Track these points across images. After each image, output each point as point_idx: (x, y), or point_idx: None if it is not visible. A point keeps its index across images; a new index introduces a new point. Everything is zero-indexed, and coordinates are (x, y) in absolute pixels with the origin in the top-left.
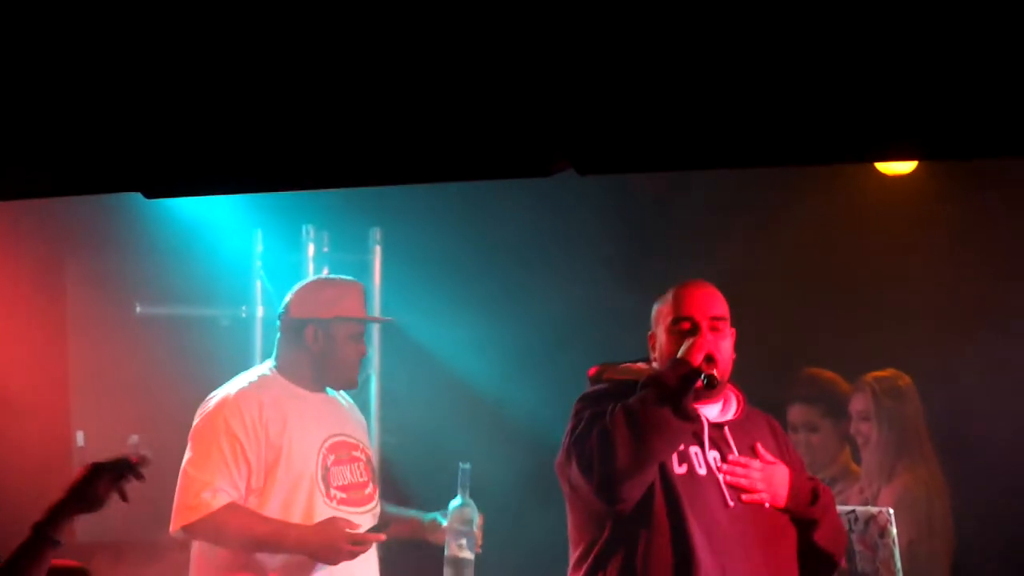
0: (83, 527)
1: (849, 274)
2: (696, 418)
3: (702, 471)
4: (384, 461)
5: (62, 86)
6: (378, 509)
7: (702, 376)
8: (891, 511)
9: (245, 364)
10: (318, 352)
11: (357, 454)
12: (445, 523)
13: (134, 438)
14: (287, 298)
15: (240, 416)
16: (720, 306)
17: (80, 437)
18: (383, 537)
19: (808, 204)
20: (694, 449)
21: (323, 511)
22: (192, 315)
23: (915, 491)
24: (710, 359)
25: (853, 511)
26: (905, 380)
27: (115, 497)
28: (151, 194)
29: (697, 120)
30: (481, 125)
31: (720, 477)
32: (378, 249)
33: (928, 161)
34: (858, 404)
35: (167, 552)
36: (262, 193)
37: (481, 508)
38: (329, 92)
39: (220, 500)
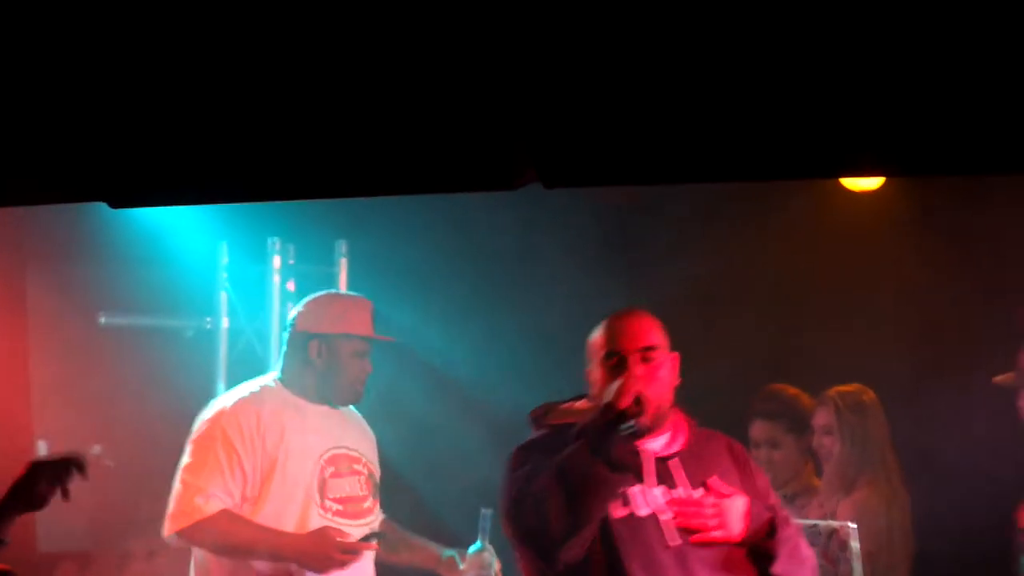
0: (49, 537)
1: (815, 290)
2: (630, 465)
3: (643, 511)
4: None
5: (26, 95)
6: (376, 523)
7: (630, 425)
8: (853, 525)
9: (209, 375)
10: (322, 367)
11: (358, 467)
12: (462, 565)
13: (97, 448)
14: (295, 310)
15: (237, 425)
16: (651, 335)
17: (42, 447)
18: (375, 546)
19: (773, 220)
20: (636, 489)
21: (318, 522)
22: (156, 326)
23: (874, 504)
24: (638, 401)
25: (815, 525)
26: (869, 395)
27: (82, 505)
28: (116, 204)
29: (663, 134)
30: (447, 138)
31: (662, 517)
32: (344, 261)
33: (894, 177)
34: (821, 418)
35: (133, 562)
36: (228, 204)
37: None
38: (295, 104)
39: (213, 506)
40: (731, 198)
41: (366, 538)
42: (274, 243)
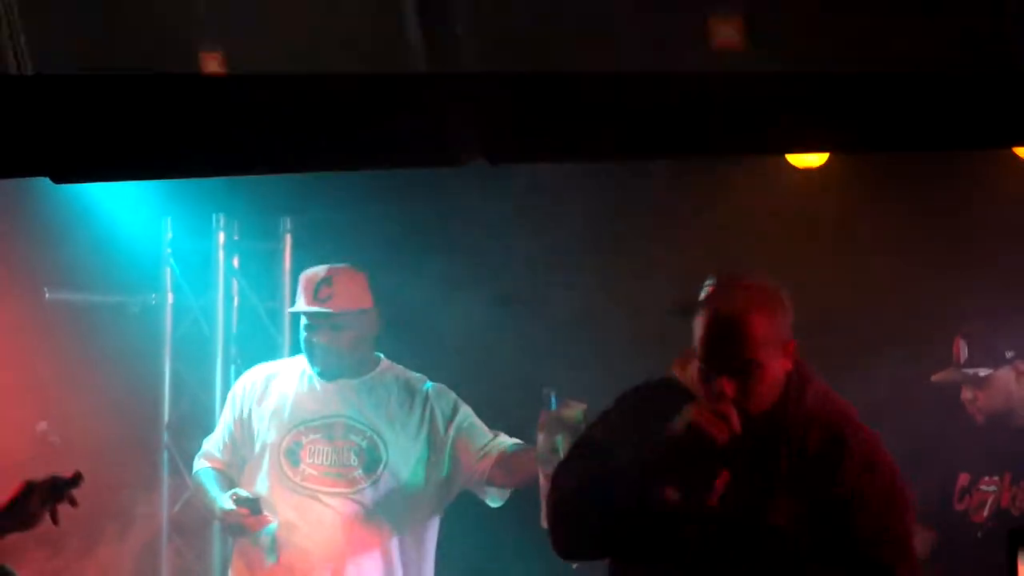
0: None
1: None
2: None
3: None
4: None
5: None
6: (365, 498)
7: None
8: None
9: (154, 350)
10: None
11: (356, 438)
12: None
13: (43, 425)
14: None
15: (239, 386)
16: (746, 346)
17: (43, 426)
18: (258, 517)
19: (717, 198)
20: None
21: (287, 485)
22: (102, 302)
23: None
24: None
25: None
26: None
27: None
28: (59, 179)
29: (607, 112)
30: (392, 115)
31: None
32: (288, 238)
33: (838, 153)
34: None
35: (103, 544)
36: (171, 180)
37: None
38: (238, 80)
39: (198, 465)
40: (677, 176)
41: (239, 502)
42: (218, 219)
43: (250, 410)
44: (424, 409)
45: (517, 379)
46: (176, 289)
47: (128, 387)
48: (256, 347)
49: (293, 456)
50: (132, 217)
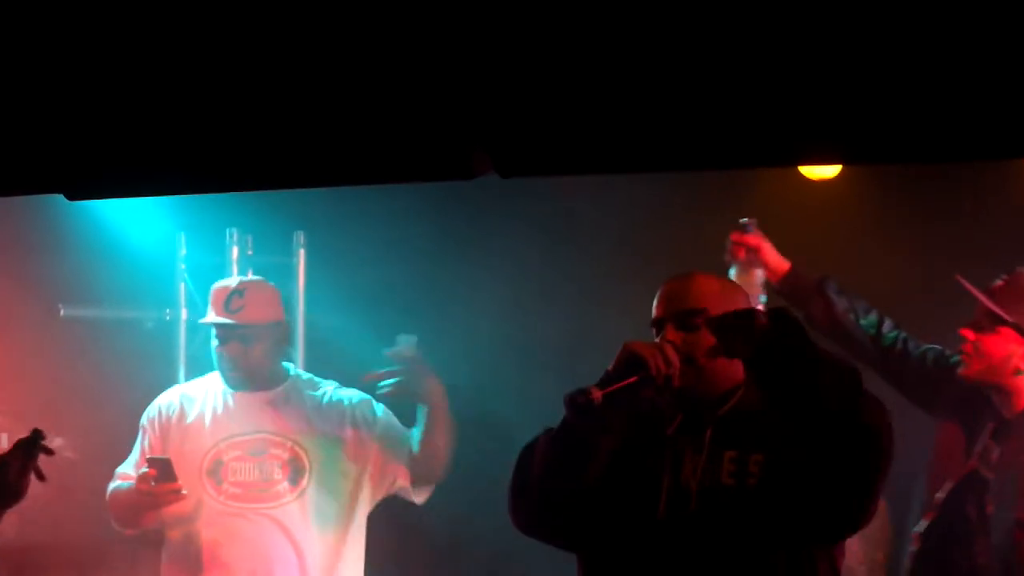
0: (13, 530)
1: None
2: None
3: None
4: None
5: None
6: (291, 510)
7: None
8: None
9: (169, 366)
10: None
11: (278, 451)
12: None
13: (58, 440)
14: None
15: (157, 412)
16: (690, 299)
17: (3, 439)
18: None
19: (730, 209)
20: None
21: (212, 505)
22: (116, 318)
23: None
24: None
25: None
26: None
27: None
28: (73, 196)
29: (621, 123)
30: (403, 127)
31: None
32: (302, 252)
33: (852, 165)
34: None
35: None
36: (185, 195)
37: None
38: (251, 94)
39: (112, 486)
40: (692, 188)
41: (151, 462)
42: (232, 234)
43: (166, 435)
44: (343, 416)
45: (529, 388)
46: (190, 304)
47: (143, 402)
48: None
49: (215, 475)
50: (146, 233)
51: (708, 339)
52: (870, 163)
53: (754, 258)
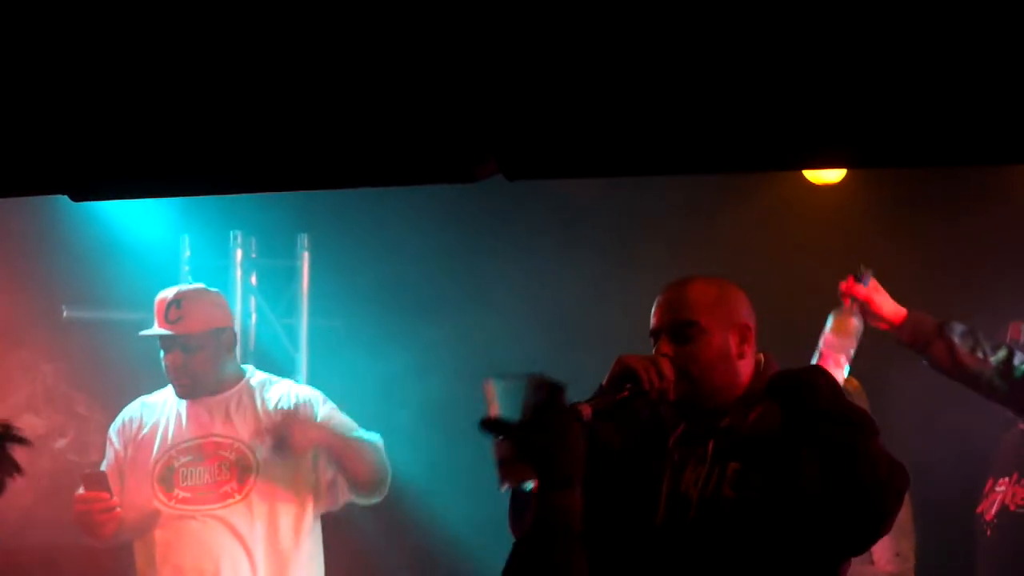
0: (9, 534)
1: (779, 284)
2: None
3: None
4: None
5: None
6: (238, 510)
7: None
8: None
9: None
10: None
11: (225, 453)
12: None
13: (61, 442)
14: None
15: (120, 425)
16: (685, 309)
17: None
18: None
19: (735, 213)
20: None
21: (162, 509)
22: (119, 319)
23: None
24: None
25: None
26: (854, 384)
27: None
28: (77, 197)
29: (627, 125)
30: (406, 129)
31: None
32: (306, 255)
33: (857, 170)
34: None
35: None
36: (190, 197)
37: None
38: (255, 96)
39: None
40: (697, 192)
41: (84, 478)
42: (236, 236)
43: (126, 443)
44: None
45: None
46: None
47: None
48: (273, 364)
49: (166, 481)
50: (150, 234)
51: (703, 351)
52: (875, 167)
53: (866, 308)
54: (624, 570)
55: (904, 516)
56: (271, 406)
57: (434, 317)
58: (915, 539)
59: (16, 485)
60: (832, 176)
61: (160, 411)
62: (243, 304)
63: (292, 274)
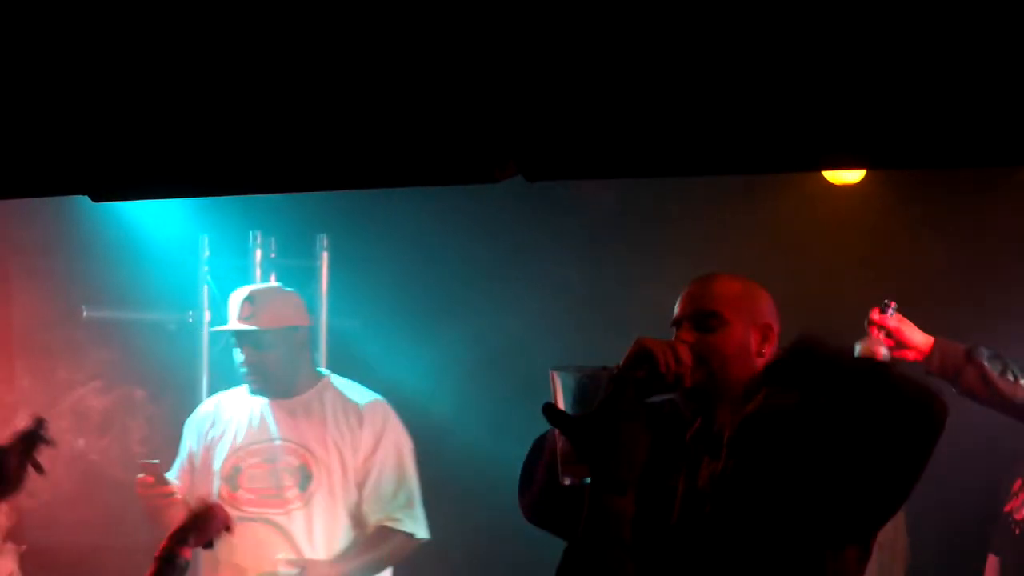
0: (34, 533)
1: (801, 286)
2: None
3: None
4: None
5: (6, 88)
6: (296, 518)
7: None
8: None
9: (192, 369)
10: None
11: (290, 458)
12: None
13: (80, 442)
14: None
15: (194, 416)
16: (708, 300)
17: None
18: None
19: (756, 215)
20: None
21: (227, 508)
22: (139, 320)
23: None
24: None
25: None
26: None
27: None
28: (98, 197)
29: (646, 127)
30: (427, 130)
31: None
32: (325, 255)
33: (876, 170)
34: None
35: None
36: (209, 197)
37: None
38: (275, 97)
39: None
40: (718, 194)
41: (144, 468)
42: (256, 236)
43: (199, 439)
44: (358, 428)
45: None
46: (213, 307)
47: (164, 405)
48: None
49: (232, 481)
50: (169, 235)
51: (723, 342)
52: (894, 168)
53: (895, 339)
54: (643, 567)
55: (895, 535)
56: (344, 410)
57: (453, 317)
58: (907, 561)
59: (35, 485)
60: (852, 177)
61: (234, 409)
62: None
63: (311, 274)
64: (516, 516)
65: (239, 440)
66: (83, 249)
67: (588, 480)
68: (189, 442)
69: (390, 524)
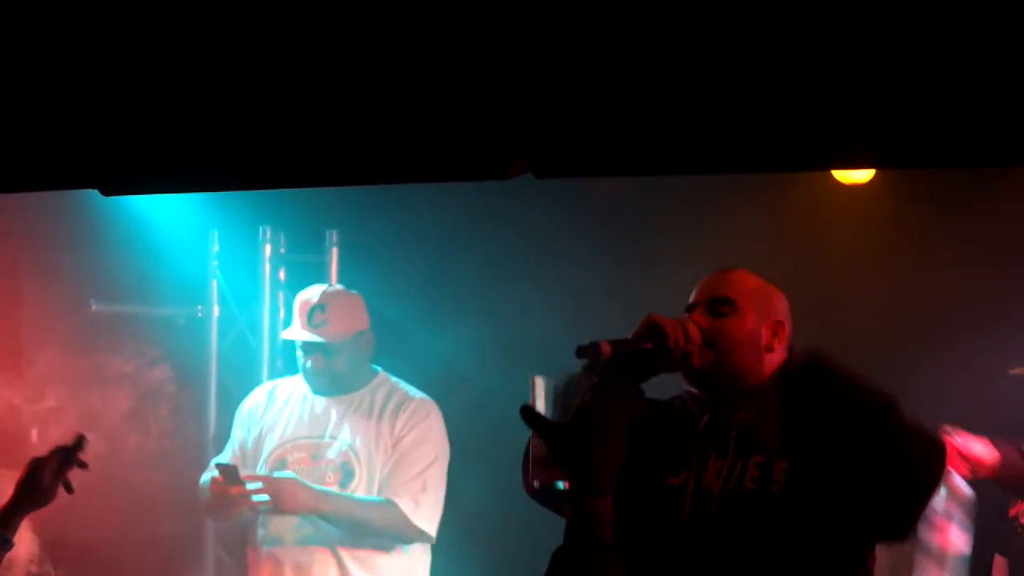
0: (46, 527)
1: (809, 284)
2: None
3: None
4: None
5: (16, 81)
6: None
7: None
8: None
9: (201, 363)
10: None
11: (333, 457)
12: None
13: (88, 436)
14: None
15: (246, 404)
16: (724, 288)
17: (34, 435)
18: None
19: (763, 214)
20: None
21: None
22: (148, 314)
23: None
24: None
25: None
26: None
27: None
28: (108, 191)
29: (655, 125)
30: (437, 126)
31: None
32: (335, 251)
33: (886, 169)
34: None
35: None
36: (219, 192)
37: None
38: (286, 92)
39: (203, 477)
40: (724, 192)
41: (219, 468)
42: (265, 232)
43: (251, 427)
44: (394, 425)
45: None
46: (222, 302)
47: (175, 399)
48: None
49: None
50: (179, 229)
51: (734, 328)
52: (904, 167)
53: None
54: (650, 564)
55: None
56: (389, 411)
57: (462, 313)
58: (915, 567)
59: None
60: (860, 176)
61: (287, 400)
62: (271, 299)
63: (321, 270)
64: (527, 514)
65: (288, 432)
66: (93, 243)
67: (559, 484)
68: (240, 430)
69: (393, 497)
